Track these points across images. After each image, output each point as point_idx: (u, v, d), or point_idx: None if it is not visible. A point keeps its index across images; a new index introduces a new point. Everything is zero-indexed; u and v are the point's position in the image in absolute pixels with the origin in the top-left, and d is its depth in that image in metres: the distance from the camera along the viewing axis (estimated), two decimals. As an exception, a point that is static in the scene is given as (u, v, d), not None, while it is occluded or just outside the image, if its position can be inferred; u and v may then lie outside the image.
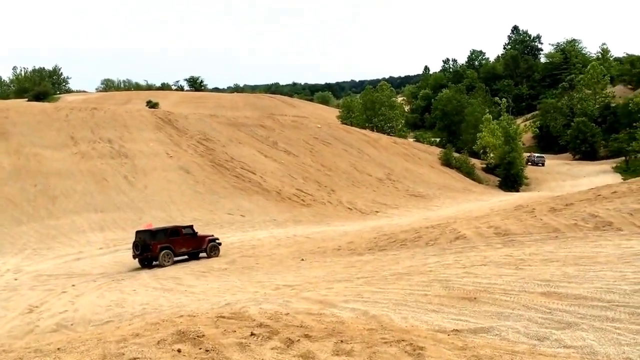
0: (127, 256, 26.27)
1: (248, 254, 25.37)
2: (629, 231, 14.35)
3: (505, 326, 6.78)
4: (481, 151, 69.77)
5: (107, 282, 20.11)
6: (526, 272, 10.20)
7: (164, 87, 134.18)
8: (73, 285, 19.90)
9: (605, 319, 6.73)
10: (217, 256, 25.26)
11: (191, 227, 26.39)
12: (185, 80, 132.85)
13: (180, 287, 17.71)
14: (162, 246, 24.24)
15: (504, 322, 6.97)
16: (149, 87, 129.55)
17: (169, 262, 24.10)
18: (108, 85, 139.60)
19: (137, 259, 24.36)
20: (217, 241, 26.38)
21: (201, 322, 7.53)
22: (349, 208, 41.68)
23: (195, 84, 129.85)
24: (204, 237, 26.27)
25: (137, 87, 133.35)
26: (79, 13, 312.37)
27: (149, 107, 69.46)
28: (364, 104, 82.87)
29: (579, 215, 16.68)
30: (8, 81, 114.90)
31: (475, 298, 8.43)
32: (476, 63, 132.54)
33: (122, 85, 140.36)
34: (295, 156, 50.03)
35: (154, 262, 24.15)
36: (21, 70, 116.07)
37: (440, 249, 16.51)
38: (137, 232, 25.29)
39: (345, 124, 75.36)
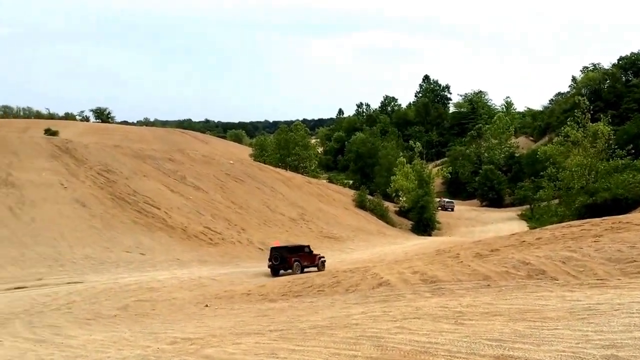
0: (2, 298, 22.73)
1: (144, 297, 22.58)
2: (565, 281, 13.29)
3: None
4: (394, 194, 69.95)
5: (-31, 331, 16.82)
6: (469, 329, 8.64)
7: (68, 116, 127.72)
8: None
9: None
10: (323, 270, 29.88)
11: (309, 246, 33.37)
12: (92, 110, 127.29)
13: (57, 338, 14.90)
14: (295, 259, 31.31)
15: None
16: (51, 116, 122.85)
17: (299, 271, 30.46)
18: (6, 112, 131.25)
19: (270, 268, 30.67)
20: (323, 259, 32.79)
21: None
22: (260, 248, 39.49)
23: (102, 115, 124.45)
24: (316, 255, 32.89)
25: (38, 115, 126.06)
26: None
27: (47, 135, 64.74)
28: (278, 142, 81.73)
29: (508, 262, 15.57)
30: None
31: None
32: (389, 108, 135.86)
33: (21, 113, 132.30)
34: (205, 192, 47.38)
35: (287, 270, 30.43)
36: None
37: (362, 297, 14.84)
38: (274, 248, 31.75)
39: (259, 161, 73.64)
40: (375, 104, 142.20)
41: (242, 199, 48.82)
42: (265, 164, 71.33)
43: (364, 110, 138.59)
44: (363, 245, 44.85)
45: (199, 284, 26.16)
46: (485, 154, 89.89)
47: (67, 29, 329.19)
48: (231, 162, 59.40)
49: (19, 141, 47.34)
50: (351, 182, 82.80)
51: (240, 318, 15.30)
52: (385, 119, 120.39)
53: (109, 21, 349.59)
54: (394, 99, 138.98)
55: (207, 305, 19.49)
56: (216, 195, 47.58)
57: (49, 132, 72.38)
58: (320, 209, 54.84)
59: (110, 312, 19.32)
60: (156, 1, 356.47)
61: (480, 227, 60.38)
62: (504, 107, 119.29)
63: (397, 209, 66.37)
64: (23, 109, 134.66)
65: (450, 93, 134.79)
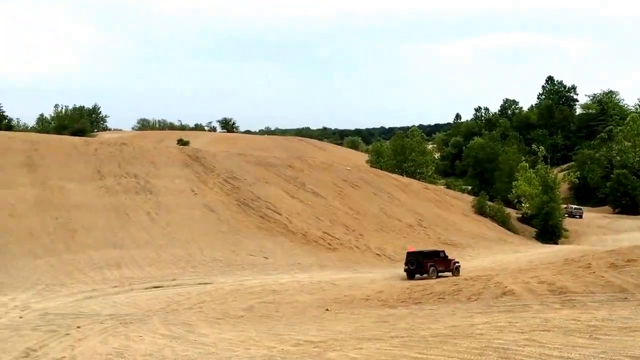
0: (141, 296, 24.66)
1: (268, 299, 23.50)
2: None
3: None
4: (516, 200, 67.26)
5: (114, 325, 18.42)
6: (606, 344, 8.22)
7: (197, 127, 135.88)
8: (78, 327, 18.26)
9: None
10: (458, 276, 29.86)
11: (444, 252, 33.93)
12: (218, 121, 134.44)
13: (190, 335, 15.93)
14: (431, 264, 31.73)
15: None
16: (183, 128, 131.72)
17: (434, 276, 30.81)
18: (144, 125, 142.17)
19: (406, 272, 31.66)
20: (457, 264, 32.92)
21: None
22: (377, 254, 39.67)
23: (228, 126, 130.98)
24: (451, 260, 33.11)
25: (171, 127, 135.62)
26: (120, 53, 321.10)
27: (180, 145, 69.15)
28: (394, 149, 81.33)
29: (647, 274, 14.54)
30: (49, 118, 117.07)
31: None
32: (509, 112, 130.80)
33: (157, 125, 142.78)
34: (323, 198, 48.36)
35: (423, 275, 30.98)
36: (62, 108, 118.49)
37: (485, 306, 14.51)
38: (411, 253, 32.69)
39: (375, 168, 73.82)
40: (494, 108, 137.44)
41: (359, 205, 49.25)
42: (381, 170, 71.39)
43: (483, 114, 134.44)
44: (483, 252, 43.62)
45: (319, 287, 26.77)
46: (618, 158, 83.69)
47: (196, 46, 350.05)
48: (348, 168, 60.08)
49: (156, 151, 51.03)
50: (470, 187, 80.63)
51: (360, 323, 15.50)
52: (506, 123, 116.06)
53: (232, 38, 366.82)
54: (514, 102, 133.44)
55: (327, 309, 19.92)
56: (334, 202, 48.38)
57: (181, 142, 77.23)
58: (438, 215, 53.99)
59: (237, 313, 20.32)
60: (274, 15, 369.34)
61: (612, 235, 56.50)
62: (637, 107, 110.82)
63: (520, 215, 63.69)
64: (158, 121, 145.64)
65: (577, 94, 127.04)
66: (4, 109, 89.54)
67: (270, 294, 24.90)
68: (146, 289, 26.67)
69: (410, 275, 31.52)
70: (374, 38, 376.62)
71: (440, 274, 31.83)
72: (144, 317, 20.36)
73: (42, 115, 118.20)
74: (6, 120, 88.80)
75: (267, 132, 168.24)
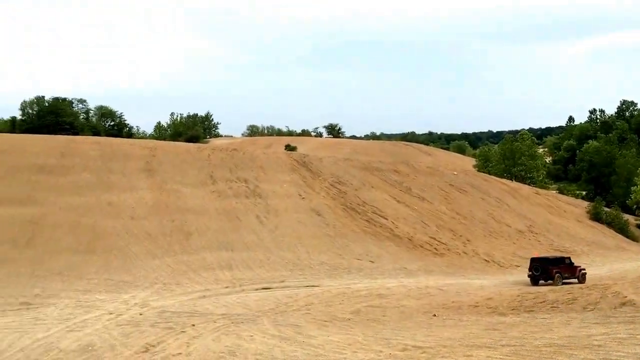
0: (251, 297, 25.62)
1: (375, 303, 23.62)
2: None
3: None
4: (635, 206, 63.03)
5: (227, 325, 19.32)
6: None
7: (304, 133, 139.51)
8: (193, 325, 19.34)
9: None
10: (584, 283, 29.40)
11: (569, 258, 33.39)
12: (324, 127, 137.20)
13: (299, 337, 16.40)
14: (556, 270, 31.19)
15: None
16: (290, 133, 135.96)
17: (560, 282, 30.32)
18: (253, 131, 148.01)
19: (530, 278, 31.16)
20: (583, 271, 31.98)
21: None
22: (485, 260, 38.64)
23: (333, 131, 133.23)
24: (577, 267, 32.36)
25: (279, 133, 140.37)
26: (231, 62, 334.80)
27: (287, 151, 71.12)
28: (502, 153, 78.76)
29: None
30: (166, 125, 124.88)
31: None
32: (627, 114, 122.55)
33: (265, 131, 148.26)
34: (429, 203, 47.80)
35: (547, 281, 30.59)
36: (177, 116, 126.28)
37: (603, 316, 13.81)
38: (535, 259, 32.31)
39: (483, 172, 71.88)
40: (610, 110, 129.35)
41: (466, 210, 48.21)
42: (489, 174, 69.42)
43: (598, 116, 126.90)
44: (599, 260, 41.28)
45: (426, 293, 26.51)
46: None
47: (302, 53, 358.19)
48: (455, 172, 58.95)
49: (265, 156, 52.82)
50: (584, 193, 76.52)
51: (469, 330, 15.24)
52: (623, 125, 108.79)
53: (337, 43, 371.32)
54: (632, 104, 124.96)
55: (435, 315, 19.74)
56: (441, 206, 47.67)
57: (289, 148, 79.56)
58: (550, 221, 51.64)
59: (344, 316, 20.61)
60: (378, 19, 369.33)
61: None
62: None
63: (639, 222, 59.64)
64: (267, 127, 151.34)
65: None
66: (125, 117, 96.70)
67: (376, 298, 25.01)
68: (256, 290, 27.65)
69: (535, 281, 31.22)
70: (483, 40, 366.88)
71: (565, 280, 31.18)
72: (254, 318, 21.17)
73: (159, 123, 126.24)
74: (127, 129, 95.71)
75: (373, 137, 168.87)
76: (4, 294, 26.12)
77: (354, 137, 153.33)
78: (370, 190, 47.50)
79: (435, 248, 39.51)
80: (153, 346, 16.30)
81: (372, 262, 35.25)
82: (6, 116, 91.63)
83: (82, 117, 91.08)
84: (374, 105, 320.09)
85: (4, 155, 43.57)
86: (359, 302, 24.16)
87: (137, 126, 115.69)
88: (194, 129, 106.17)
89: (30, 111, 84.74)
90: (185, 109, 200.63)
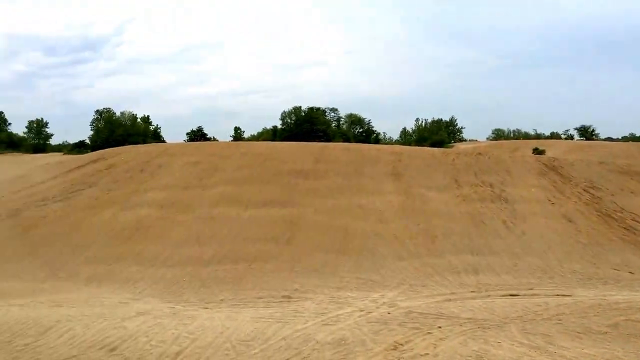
0: (498, 303, 25.16)
1: (636, 318, 21.40)
2: None
3: None
4: None
5: (473, 329, 19.31)
6: None
7: (553, 136, 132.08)
8: (439, 327, 19.71)
9: None
10: None
11: None
12: (576, 129, 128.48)
13: (550, 347, 15.75)
14: None
15: None
16: (538, 136, 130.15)
17: None
18: (498, 135, 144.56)
19: None
20: None
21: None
22: None
23: (586, 133, 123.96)
24: None
25: (526, 136, 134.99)
26: (475, 68, 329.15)
27: (535, 154, 67.99)
28: None
29: None
30: (411, 131, 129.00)
31: None
32: None
33: (511, 135, 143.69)
34: None
35: None
36: (422, 122, 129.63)
37: None
38: None
39: None
40: None
41: None
42: None
43: None
44: None
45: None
46: None
47: (549, 54, 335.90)
48: None
49: (510, 160, 51.04)
50: None
51: None
52: None
53: (589, 41, 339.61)
54: None
55: None
56: None
57: (537, 151, 76.07)
58: None
59: (600, 329, 19.14)
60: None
61: None
62: None
63: None
64: (513, 130, 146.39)
65: None
66: (372, 124, 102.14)
67: (637, 312, 22.65)
68: (502, 296, 27.01)
69: None
70: None
71: None
72: (500, 324, 20.79)
73: (404, 128, 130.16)
74: (374, 135, 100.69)
75: (631, 138, 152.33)
76: (269, 287, 29.39)
77: (609, 139, 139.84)
78: (630, 195, 42.85)
79: None
80: (401, 345, 17.09)
81: (632, 273, 31.80)
82: (269, 125, 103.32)
83: (334, 124, 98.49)
84: (632, 104, 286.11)
85: (270, 161, 49.10)
86: (617, 315, 22.13)
87: (384, 132, 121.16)
88: (438, 134, 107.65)
89: (289, 120, 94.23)
90: (430, 115, 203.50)
